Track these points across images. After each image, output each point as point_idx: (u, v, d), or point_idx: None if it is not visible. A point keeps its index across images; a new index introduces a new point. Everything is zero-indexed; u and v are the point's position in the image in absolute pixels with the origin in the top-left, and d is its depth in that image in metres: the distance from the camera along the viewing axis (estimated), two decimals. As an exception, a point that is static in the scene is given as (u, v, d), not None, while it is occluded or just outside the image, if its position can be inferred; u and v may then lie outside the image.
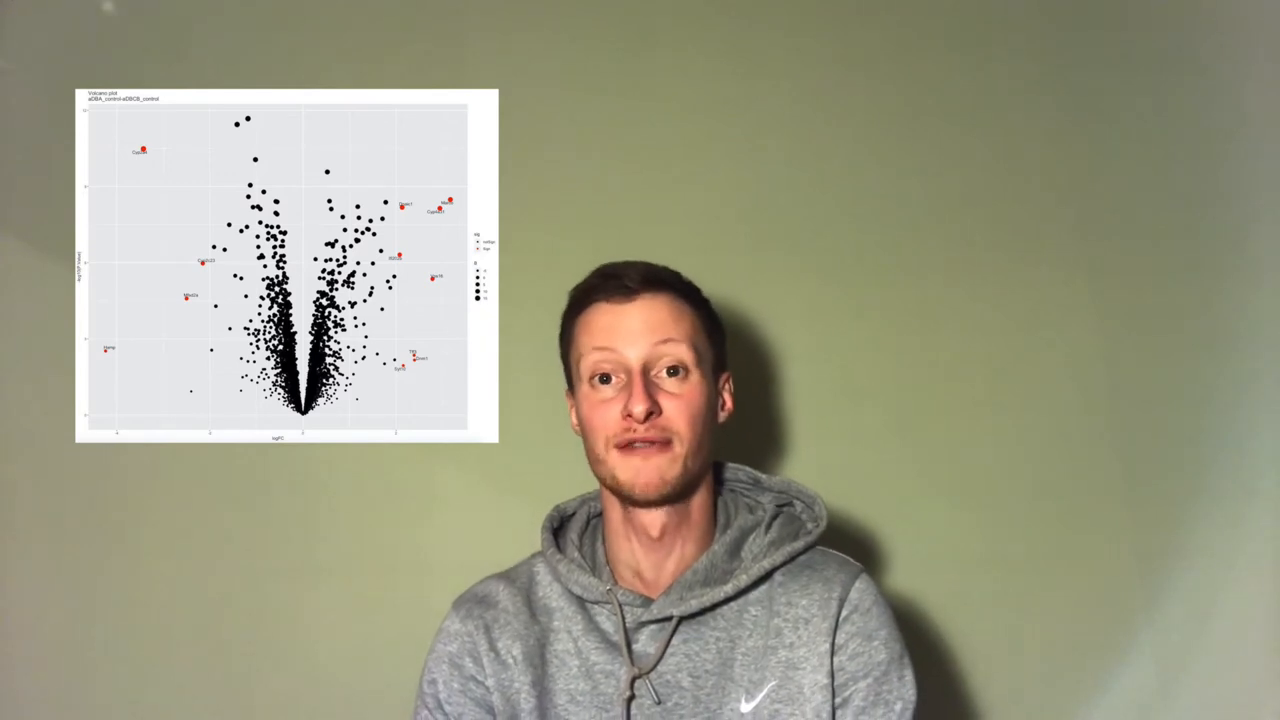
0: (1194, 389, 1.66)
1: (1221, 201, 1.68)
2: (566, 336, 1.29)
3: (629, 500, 1.22)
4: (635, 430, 1.20)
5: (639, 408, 1.19)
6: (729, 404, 1.29)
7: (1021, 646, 1.62)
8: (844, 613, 1.22)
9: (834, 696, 1.20)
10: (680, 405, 1.21)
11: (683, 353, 1.22)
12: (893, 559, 1.62)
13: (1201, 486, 1.64)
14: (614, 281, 1.24)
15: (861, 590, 1.24)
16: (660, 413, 1.20)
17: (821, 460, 1.61)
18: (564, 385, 1.31)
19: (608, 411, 1.21)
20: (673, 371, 1.22)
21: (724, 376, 1.29)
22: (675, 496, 1.22)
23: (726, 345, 1.31)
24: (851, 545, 1.59)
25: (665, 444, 1.20)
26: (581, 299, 1.27)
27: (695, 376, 1.23)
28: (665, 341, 1.22)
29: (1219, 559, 1.62)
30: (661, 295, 1.24)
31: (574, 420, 1.29)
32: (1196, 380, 1.66)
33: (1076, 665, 1.62)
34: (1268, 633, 1.62)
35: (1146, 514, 1.64)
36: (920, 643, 1.59)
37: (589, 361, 1.23)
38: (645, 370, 1.21)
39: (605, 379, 1.23)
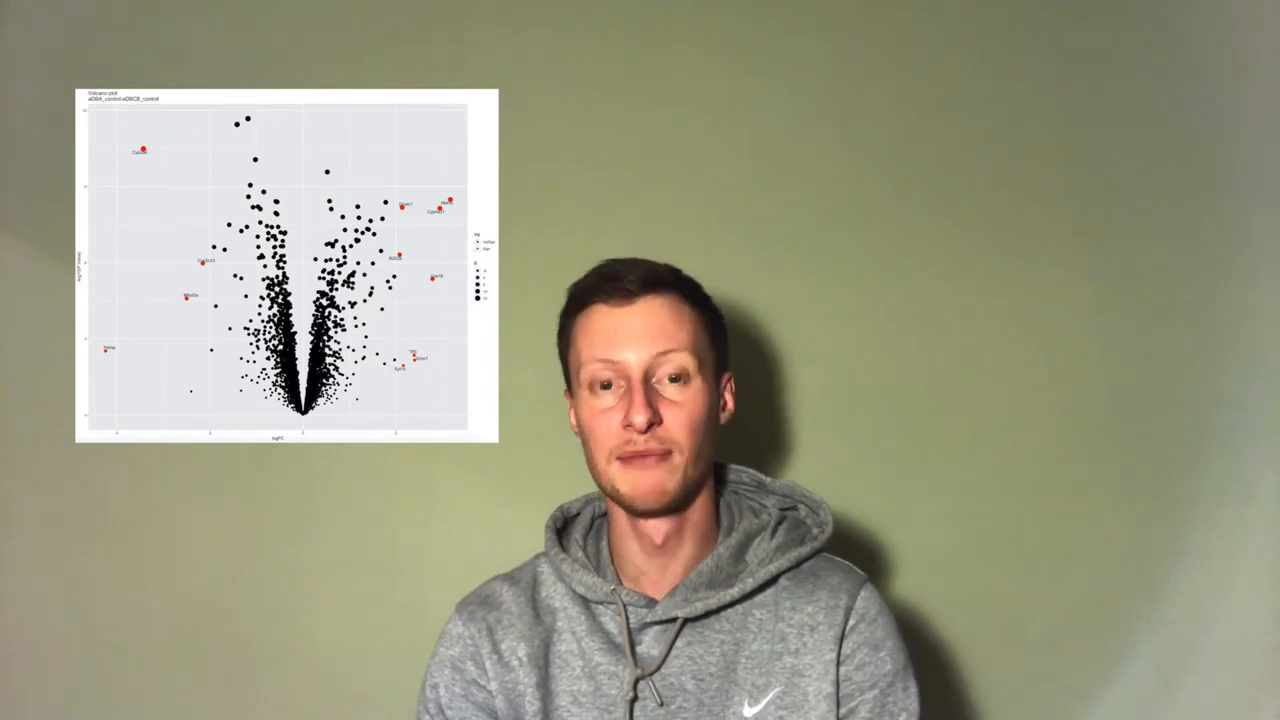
0: (1194, 389, 1.65)
1: (1221, 201, 1.67)
2: (565, 337, 1.27)
3: (629, 510, 1.22)
4: (636, 442, 1.18)
5: (640, 418, 1.17)
6: (730, 405, 1.28)
7: (1021, 646, 1.62)
8: (851, 622, 1.21)
9: (839, 707, 1.19)
10: (681, 414, 1.19)
11: (684, 360, 1.20)
12: (893, 559, 1.62)
13: (1201, 487, 1.64)
14: (613, 283, 1.21)
15: (867, 599, 1.23)
16: (661, 422, 1.18)
17: (822, 460, 1.61)
18: (563, 385, 1.30)
19: (608, 421, 1.20)
20: (674, 378, 1.20)
21: (725, 377, 1.27)
22: (676, 506, 1.21)
23: (728, 344, 1.30)
24: (852, 546, 1.59)
25: (665, 454, 1.19)
26: (580, 300, 1.24)
27: (697, 383, 1.21)
28: (666, 352, 1.19)
29: (1219, 559, 1.62)
30: (662, 297, 1.21)
31: (573, 421, 1.27)
32: (1196, 380, 1.66)
33: (1076, 665, 1.62)
34: (1268, 633, 1.62)
35: (1146, 514, 1.64)
36: (922, 643, 1.59)
37: (589, 369, 1.21)
38: (646, 377, 1.19)
39: (605, 385, 1.21)
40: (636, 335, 1.20)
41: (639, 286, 1.21)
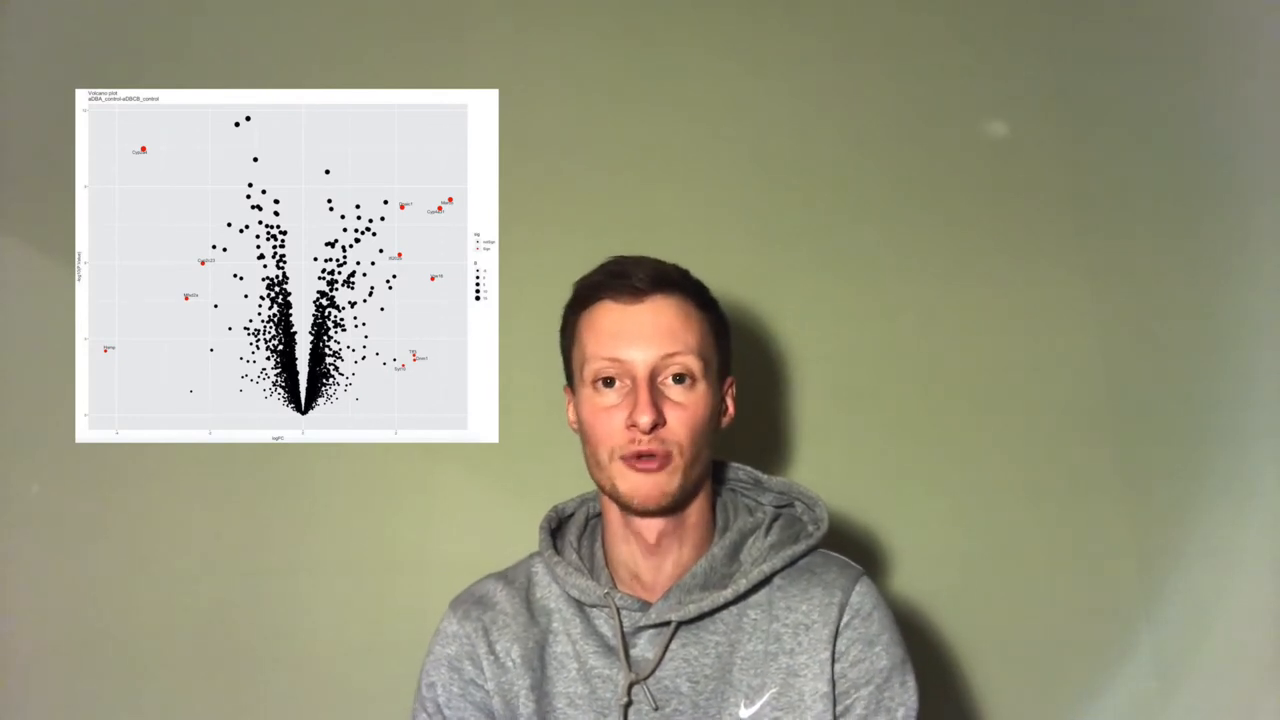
0: (1194, 389, 1.65)
1: (1221, 201, 1.67)
2: (569, 332, 1.26)
3: (626, 509, 1.21)
4: (640, 441, 1.17)
5: (645, 419, 1.16)
6: (731, 410, 1.27)
7: (1021, 646, 1.61)
8: (845, 619, 1.20)
9: (835, 705, 1.18)
10: (684, 416, 1.19)
11: (690, 362, 1.19)
12: (892, 559, 1.62)
13: (1201, 486, 1.64)
14: (623, 280, 1.20)
15: (862, 595, 1.22)
16: (665, 423, 1.18)
17: (821, 460, 1.61)
18: (563, 383, 1.30)
19: (611, 420, 1.19)
20: (679, 379, 1.19)
21: (728, 382, 1.27)
22: (674, 507, 1.21)
23: (731, 348, 1.30)
24: (851, 546, 1.59)
25: (666, 457, 1.18)
26: (587, 294, 1.23)
27: (701, 386, 1.20)
28: (673, 354, 1.19)
29: (1219, 559, 1.62)
30: (671, 298, 1.21)
31: (571, 416, 1.27)
32: (1196, 380, 1.66)
33: (1076, 665, 1.62)
34: (1268, 633, 1.61)
35: (1146, 514, 1.64)
36: (921, 643, 1.59)
37: (593, 365, 1.20)
38: (651, 377, 1.18)
39: (609, 382, 1.20)
40: (644, 334, 1.19)
41: (649, 285, 1.20)
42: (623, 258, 1.23)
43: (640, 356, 1.19)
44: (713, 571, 1.22)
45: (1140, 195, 1.67)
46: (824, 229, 1.65)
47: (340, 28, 1.63)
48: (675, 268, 1.24)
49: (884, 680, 1.20)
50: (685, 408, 1.19)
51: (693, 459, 1.20)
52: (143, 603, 1.56)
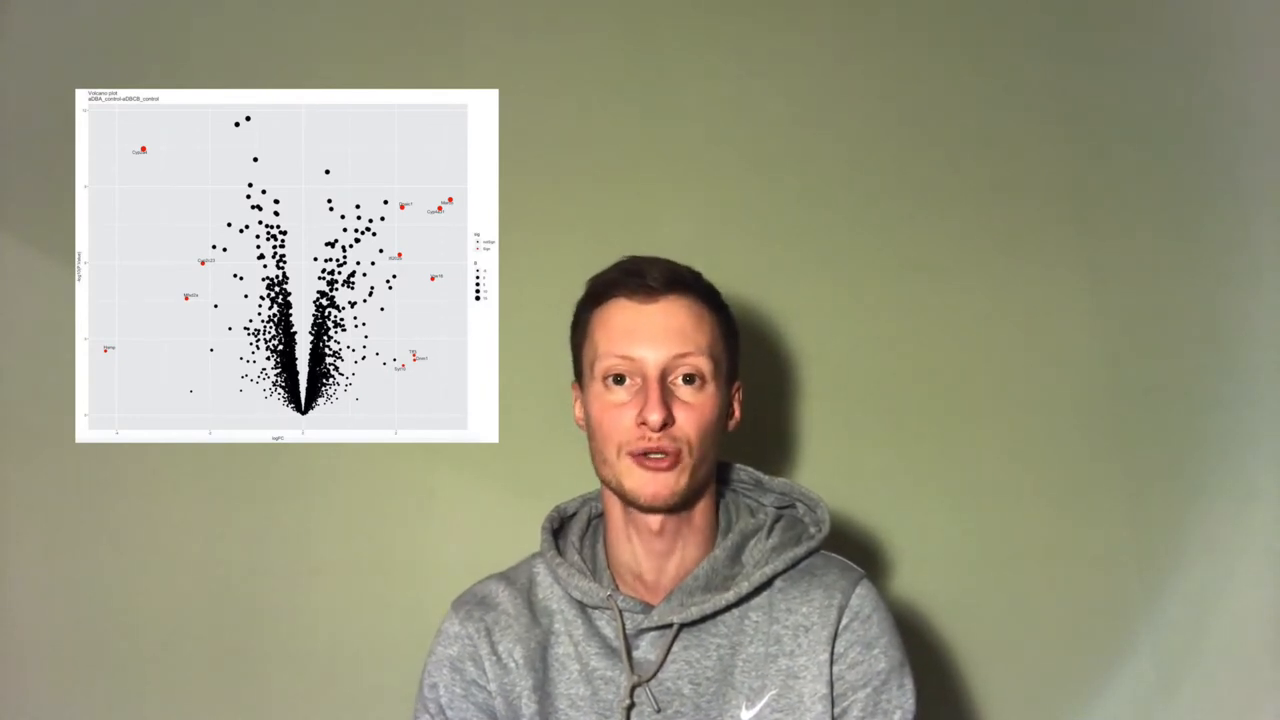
0: (1194, 389, 1.65)
1: (1221, 201, 1.67)
2: (581, 328, 1.26)
3: (632, 505, 1.21)
4: (650, 439, 1.18)
5: (655, 417, 1.17)
6: (737, 414, 1.28)
7: (1021, 646, 1.62)
8: (844, 621, 1.21)
9: (833, 706, 1.19)
10: (693, 416, 1.19)
11: (701, 363, 1.20)
12: (892, 560, 1.62)
13: (1201, 486, 1.64)
14: (637, 279, 1.21)
15: (862, 597, 1.23)
16: (674, 422, 1.19)
17: (821, 461, 1.61)
18: (564, 384, 1.30)
19: (620, 416, 1.20)
20: (689, 379, 1.20)
21: (735, 386, 1.28)
22: (679, 506, 1.21)
23: (739, 351, 1.30)
24: (851, 546, 1.59)
25: (676, 456, 1.19)
26: (601, 292, 1.24)
27: (711, 388, 1.21)
28: (685, 354, 1.20)
29: (1219, 559, 1.62)
30: (684, 299, 1.22)
31: (578, 413, 1.27)
32: (1196, 380, 1.66)
33: (1076, 665, 1.62)
34: (1268, 633, 1.62)
35: (1146, 514, 1.64)
36: (921, 643, 1.59)
37: (605, 362, 1.21)
38: (662, 376, 1.19)
39: (620, 380, 1.21)
40: (657, 334, 1.20)
41: (663, 285, 1.21)
42: (638, 257, 1.24)
43: (652, 355, 1.19)
44: (714, 573, 1.22)
45: (1140, 195, 1.67)
46: (824, 229, 1.65)
47: (340, 28, 1.63)
48: (689, 269, 1.25)
49: (882, 683, 1.20)
50: (694, 408, 1.20)
51: (701, 459, 1.20)
52: (143, 602, 1.56)
